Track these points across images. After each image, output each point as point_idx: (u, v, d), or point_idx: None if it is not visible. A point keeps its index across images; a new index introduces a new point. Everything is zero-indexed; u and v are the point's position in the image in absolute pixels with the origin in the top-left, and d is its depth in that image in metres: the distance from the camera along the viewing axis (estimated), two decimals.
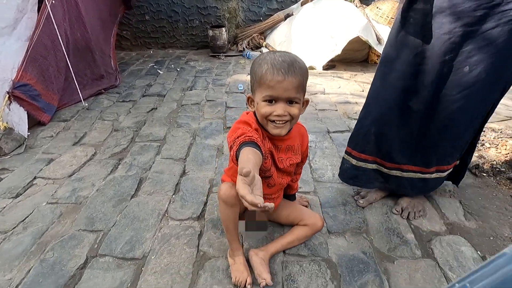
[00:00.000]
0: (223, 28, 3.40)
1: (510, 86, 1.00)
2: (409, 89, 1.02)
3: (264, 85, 0.78)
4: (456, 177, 1.26)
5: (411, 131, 1.08)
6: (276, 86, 0.76)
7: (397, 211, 1.22)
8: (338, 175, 1.34)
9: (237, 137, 0.75)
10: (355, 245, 1.08)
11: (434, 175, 1.15)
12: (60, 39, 1.94)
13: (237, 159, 0.71)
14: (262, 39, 3.67)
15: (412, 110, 1.04)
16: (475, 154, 1.60)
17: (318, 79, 2.81)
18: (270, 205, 0.54)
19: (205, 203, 1.27)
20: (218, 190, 0.92)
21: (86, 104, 2.17)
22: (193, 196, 1.31)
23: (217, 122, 1.97)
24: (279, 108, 0.79)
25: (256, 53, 3.47)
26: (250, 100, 0.87)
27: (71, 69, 2.04)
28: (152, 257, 1.03)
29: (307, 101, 0.87)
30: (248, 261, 1.00)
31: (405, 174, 1.16)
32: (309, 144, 1.72)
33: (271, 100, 0.79)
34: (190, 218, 1.20)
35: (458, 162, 1.21)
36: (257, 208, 0.53)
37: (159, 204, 1.26)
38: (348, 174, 1.28)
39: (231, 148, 0.76)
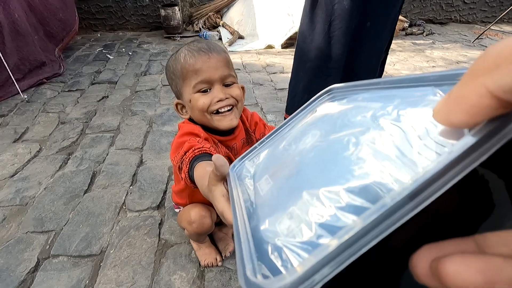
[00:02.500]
0: (176, 7, 3.21)
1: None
2: (327, 54, 1.16)
3: (189, 73, 0.67)
4: None
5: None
6: (204, 67, 0.66)
7: None
8: None
9: (184, 154, 0.61)
10: None
11: None
12: None
13: (191, 181, 0.57)
14: (218, 18, 3.54)
15: (333, 71, 1.18)
16: None
17: (277, 58, 2.80)
18: None
19: (165, 192, 1.24)
20: (185, 218, 0.83)
21: (26, 96, 1.97)
22: (151, 185, 1.27)
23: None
24: (217, 92, 0.68)
25: (213, 33, 3.35)
26: (180, 107, 0.75)
27: (2, 59, 1.82)
28: (111, 251, 1.00)
29: (243, 87, 0.76)
30: (211, 238, 1.01)
31: None
32: (269, 124, 1.74)
33: (205, 90, 0.68)
34: (149, 208, 1.17)
35: None
36: None
37: (115, 197, 1.21)
38: None
39: (180, 169, 0.61)
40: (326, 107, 0.33)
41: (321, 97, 0.36)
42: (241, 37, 3.25)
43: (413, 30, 3.66)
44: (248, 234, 0.21)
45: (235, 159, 0.83)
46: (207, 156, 0.59)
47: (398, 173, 0.15)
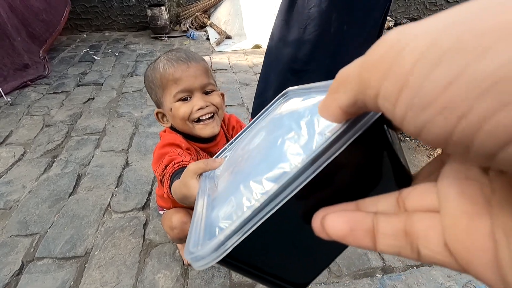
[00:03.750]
0: (162, 7, 3.20)
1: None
2: (302, 57, 1.12)
3: (169, 83, 0.67)
4: None
5: None
6: (183, 76, 0.67)
7: None
8: None
9: (165, 168, 0.62)
10: None
11: None
12: None
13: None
14: (206, 17, 3.54)
15: (306, 74, 1.15)
16: None
17: None
18: None
19: (150, 192, 1.26)
20: (166, 223, 0.84)
21: (10, 99, 1.95)
22: (137, 187, 1.29)
23: None
24: (197, 100, 0.69)
25: (201, 33, 3.36)
26: (160, 116, 0.76)
27: None
28: (96, 253, 1.02)
29: (223, 94, 0.77)
30: None
31: None
32: None
33: (185, 98, 0.69)
34: (134, 209, 1.19)
35: None
36: None
37: (100, 198, 1.23)
38: None
39: (161, 182, 0.63)
40: (279, 109, 0.37)
41: (279, 100, 0.40)
42: (228, 37, 3.27)
43: None
44: (202, 220, 0.25)
45: None
46: None
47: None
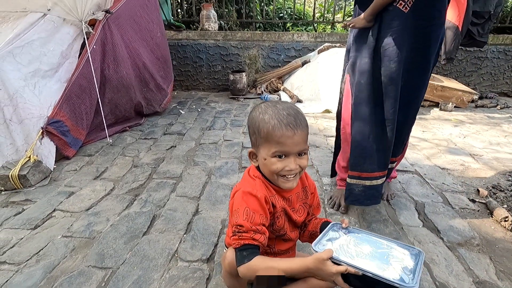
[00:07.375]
0: (243, 73, 3.61)
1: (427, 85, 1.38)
2: (381, 104, 1.30)
3: (273, 141, 0.76)
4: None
5: (389, 138, 1.33)
6: (287, 142, 0.75)
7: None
8: (349, 201, 1.43)
9: (243, 225, 0.74)
10: None
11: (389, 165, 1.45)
12: (95, 80, 2.13)
13: (239, 260, 0.74)
14: (280, 83, 3.84)
15: (384, 120, 1.31)
16: (505, 205, 1.50)
17: (334, 123, 2.83)
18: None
19: (216, 245, 1.24)
20: (223, 257, 0.87)
21: (111, 141, 2.29)
22: (204, 236, 1.29)
23: (232, 162, 2.00)
24: (290, 163, 0.77)
25: (273, 96, 3.61)
26: (252, 155, 0.84)
27: (101, 108, 2.20)
28: None
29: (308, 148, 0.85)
30: None
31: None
32: (325, 188, 1.69)
33: (280, 156, 0.77)
34: (199, 260, 1.16)
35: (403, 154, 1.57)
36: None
37: (169, 243, 1.25)
38: (364, 196, 1.39)
39: (233, 234, 0.76)
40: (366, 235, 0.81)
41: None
42: (299, 101, 3.43)
43: (485, 103, 3.44)
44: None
45: (290, 209, 0.87)
46: (257, 249, 0.75)
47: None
